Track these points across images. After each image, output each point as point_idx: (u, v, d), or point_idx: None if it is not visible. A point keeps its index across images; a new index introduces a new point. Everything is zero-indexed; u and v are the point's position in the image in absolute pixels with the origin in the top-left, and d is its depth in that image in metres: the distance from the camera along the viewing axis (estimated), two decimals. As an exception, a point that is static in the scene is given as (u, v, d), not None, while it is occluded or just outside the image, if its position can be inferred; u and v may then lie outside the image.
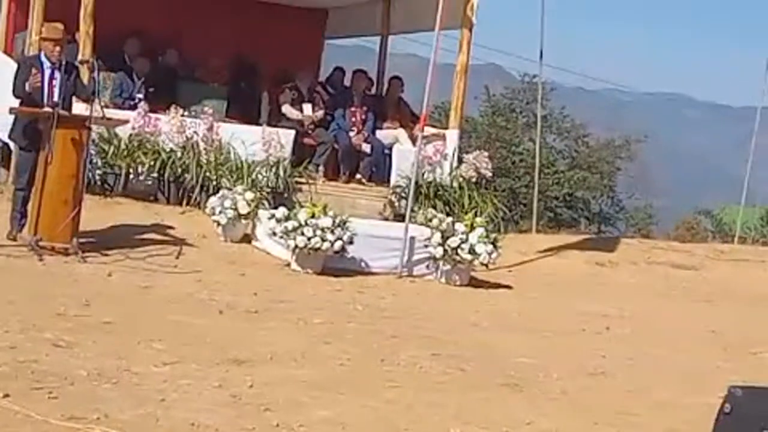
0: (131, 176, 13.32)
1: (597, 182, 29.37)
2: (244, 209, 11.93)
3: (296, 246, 10.78)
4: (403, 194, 14.12)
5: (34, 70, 10.23)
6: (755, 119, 18.77)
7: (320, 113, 15.37)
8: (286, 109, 15.30)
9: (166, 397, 5.89)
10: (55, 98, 10.13)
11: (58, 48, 10.28)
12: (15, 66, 11.66)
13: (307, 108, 15.33)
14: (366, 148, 15.14)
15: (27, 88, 10.17)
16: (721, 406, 4.38)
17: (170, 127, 13.60)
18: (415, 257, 11.69)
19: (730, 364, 9.07)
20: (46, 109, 10.02)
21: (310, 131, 15.08)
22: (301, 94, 15.57)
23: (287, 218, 10.98)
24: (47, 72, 10.26)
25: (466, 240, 11.47)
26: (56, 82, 10.25)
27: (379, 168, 15.25)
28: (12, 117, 10.49)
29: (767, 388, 4.74)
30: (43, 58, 10.35)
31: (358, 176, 14.98)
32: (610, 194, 30.40)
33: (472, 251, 11.44)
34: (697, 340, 10.18)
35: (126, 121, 12.46)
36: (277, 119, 15.21)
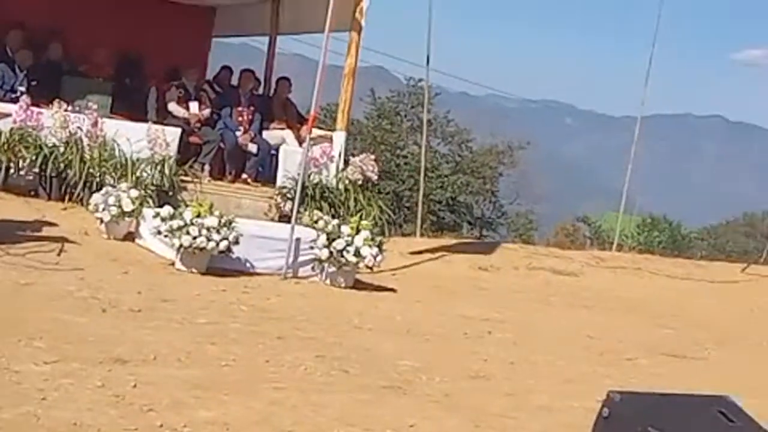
0: (12, 171, 13.08)
1: (480, 187, 29.80)
2: (128, 207, 11.79)
3: (181, 245, 10.70)
4: (289, 195, 14.13)
5: None
6: (635, 129, 19.19)
7: (207, 112, 15.30)
8: (172, 106, 15.20)
9: (47, 396, 5.81)
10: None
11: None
12: None
13: (194, 106, 15.25)
14: (252, 148, 15.11)
15: None
16: (599, 410, 4.50)
17: (53, 122, 13.39)
18: (301, 258, 11.69)
19: (606, 369, 9.28)
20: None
21: (196, 129, 14.99)
22: (187, 92, 15.47)
23: (172, 217, 10.88)
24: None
25: (352, 242, 11.52)
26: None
27: (265, 168, 15.24)
28: None
29: (644, 393, 4.90)
30: None
31: (244, 176, 14.94)
32: (492, 199, 30.88)
33: (357, 254, 11.49)
34: (576, 345, 10.38)
35: (7, 115, 12.24)
36: (163, 117, 15.09)
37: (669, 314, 13.24)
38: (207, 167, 14.74)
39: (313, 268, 11.75)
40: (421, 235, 18.04)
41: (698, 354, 10.83)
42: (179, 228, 10.73)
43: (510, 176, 32.53)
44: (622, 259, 17.22)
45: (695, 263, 18.23)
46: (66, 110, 13.54)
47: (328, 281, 11.66)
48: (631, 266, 16.49)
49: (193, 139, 14.75)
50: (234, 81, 16.67)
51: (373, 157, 15.39)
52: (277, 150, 15.08)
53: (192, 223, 10.74)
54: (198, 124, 15.05)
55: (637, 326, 12.19)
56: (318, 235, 11.66)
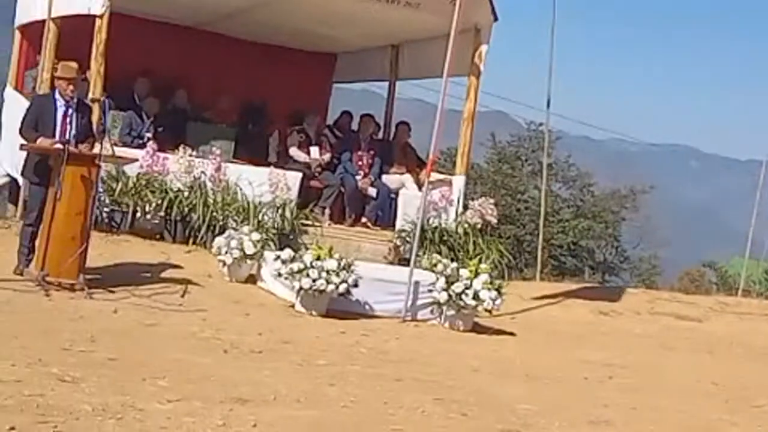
0: (138, 214, 13.37)
1: (601, 231, 29.42)
2: (249, 249, 11.96)
3: (301, 287, 10.81)
4: (408, 239, 14.18)
5: (46, 115, 10.34)
6: (760, 172, 18.83)
7: (327, 156, 15.48)
8: (294, 151, 15.43)
9: (170, 435, 5.91)
10: (69, 136, 10.22)
11: (71, 87, 10.38)
12: (26, 103, 11.79)
13: (314, 151, 15.45)
14: (372, 192, 15.21)
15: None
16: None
17: (178, 167, 13.67)
18: (419, 302, 11.71)
19: (732, 417, 9.06)
20: (57, 146, 10.09)
21: (317, 174, 15.17)
22: (308, 136, 15.68)
23: (293, 259, 11.02)
24: (60, 110, 10.35)
25: (470, 286, 11.50)
26: (70, 120, 10.35)
27: (384, 212, 15.31)
28: (23, 153, 10.57)
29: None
30: (57, 96, 10.44)
31: (364, 220, 15.05)
32: (615, 244, 30.44)
33: (476, 297, 11.47)
34: (700, 391, 10.17)
35: (135, 160, 12.53)
36: (284, 161, 15.32)
37: (797, 362, 12.89)
38: (327, 211, 14.89)
39: (432, 312, 11.75)
40: (542, 279, 17.91)
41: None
42: (299, 270, 10.85)
43: (633, 221, 32.06)
44: (749, 305, 16.83)
45: (824, 309, 17.72)
46: (190, 155, 13.82)
47: (447, 324, 11.65)
48: (757, 312, 16.11)
49: (313, 183, 14.94)
50: (354, 126, 16.85)
51: (492, 201, 15.36)
52: (396, 194, 15.16)
53: (312, 266, 10.85)
54: (318, 169, 15.23)
55: (764, 373, 11.90)
56: (437, 278, 11.68)
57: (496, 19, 14.90)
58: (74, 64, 10.57)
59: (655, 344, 12.93)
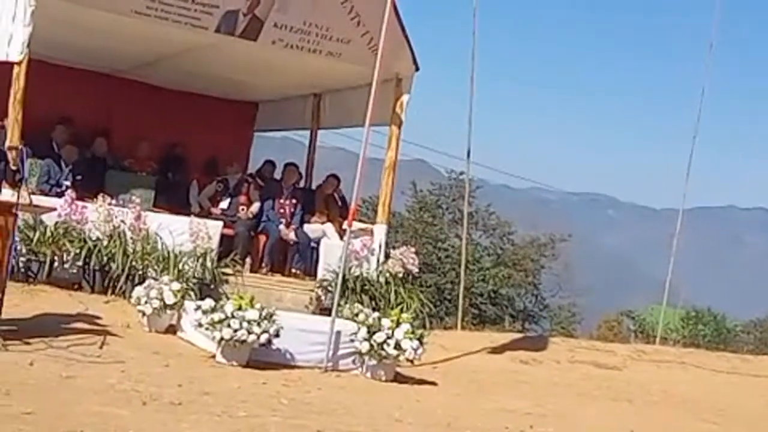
0: (56, 264, 13.20)
1: (521, 280, 29.64)
2: (170, 299, 11.84)
3: (222, 338, 10.72)
4: (329, 288, 14.16)
5: None
6: (676, 221, 19.12)
7: (256, 206, 15.46)
8: (204, 202, 15.48)
9: (87, 490, 5.80)
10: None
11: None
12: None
13: (224, 204, 15.46)
14: (294, 240, 15.20)
15: None
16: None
17: (97, 216, 13.54)
18: (341, 351, 11.67)
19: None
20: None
21: (231, 223, 15.10)
22: (227, 187, 15.66)
23: (213, 309, 10.92)
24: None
25: (392, 335, 11.49)
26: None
27: (306, 261, 15.30)
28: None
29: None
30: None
31: (294, 270, 15.02)
32: (535, 292, 30.68)
33: (397, 347, 11.46)
34: (619, 439, 10.25)
35: (53, 209, 12.38)
36: (207, 210, 15.29)
37: (713, 409, 13.04)
38: (248, 260, 14.83)
39: (353, 361, 11.72)
40: (463, 328, 17.97)
41: (744, 449, 10.66)
42: (220, 321, 10.76)
43: (552, 269, 32.35)
44: (666, 353, 17.04)
45: (740, 357, 18.00)
46: (110, 204, 13.70)
47: (368, 374, 11.62)
48: (675, 360, 16.30)
49: (225, 231, 14.79)
50: (277, 175, 16.83)
51: (413, 249, 15.43)
52: (318, 243, 15.15)
53: (233, 316, 10.77)
54: (249, 221, 15.20)
55: (681, 421, 12.02)
56: (358, 328, 11.65)
57: (417, 68, 15.05)
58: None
59: (574, 392, 13.01)
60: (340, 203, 16.35)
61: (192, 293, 12.76)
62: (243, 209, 15.40)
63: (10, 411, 7.37)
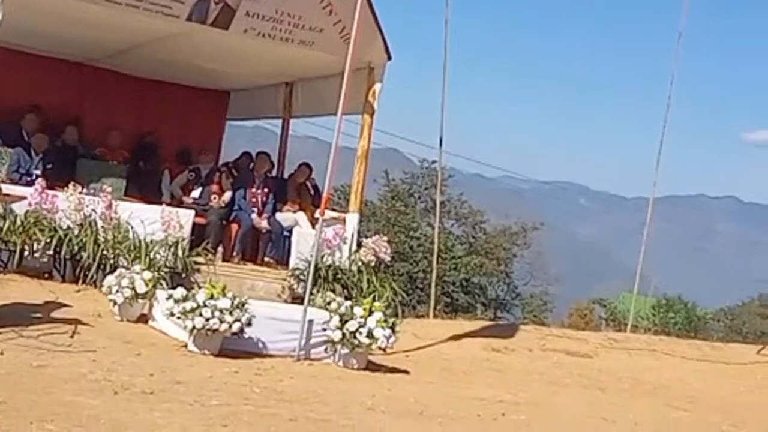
0: (26, 253, 13.14)
1: (494, 268, 29.76)
2: (141, 288, 11.80)
3: (194, 327, 10.68)
4: (302, 277, 14.16)
5: None
6: (647, 209, 19.21)
7: (228, 195, 15.42)
8: (176, 191, 15.42)
9: (58, 480, 5.78)
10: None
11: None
12: None
13: (196, 193, 15.42)
14: (266, 229, 15.19)
15: None
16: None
17: (68, 205, 13.48)
18: (313, 340, 11.66)
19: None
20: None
21: (203, 211, 15.07)
22: (199, 175, 15.62)
23: (185, 298, 10.89)
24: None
25: (365, 324, 11.50)
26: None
27: (278, 250, 15.29)
28: None
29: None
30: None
31: (267, 259, 15.00)
32: (507, 280, 30.82)
33: (370, 335, 11.46)
34: (590, 427, 10.30)
35: (23, 198, 12.32)
36: (179, 199, 15.26)
37: (684, 396, 13.13)
38: (220, 249, 14.80)
39: (326, 350, 11.71)
40: (435, 316, 17.99)
41: (714, 436, 10.73)
42: (192, 310, 10.73)
43: (524, 257, 32.50)
44: (637, 341, 17.13)
45: (710, 344, 18.12)
46: (81, 193, 13.64)
47: (341, 363, 11.62)
48: (645, 348, 16.39)
49: (197, 219, 14.76)
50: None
51: (386, 238, 15.44)
52: (290, 232, 15.14)
53: (205, 305, 10.74)
54: (221, 210, 15.16)
55: (652, 408, 12.09)
56: (331, 317, 11.65)
57: (389, 57, 15.04)
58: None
59: (546, 380, 13.06)
60: (312, 192, 16.33)
61: (164, 282, 12.73)
62: (215, 198, 15.38)
63: (-19, 400, 7.34)
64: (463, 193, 31.10)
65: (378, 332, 11.48)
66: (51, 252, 13.24)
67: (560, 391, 12.47)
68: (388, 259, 15.13)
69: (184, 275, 13.66)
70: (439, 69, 16.48)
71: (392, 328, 11.67)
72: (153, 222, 13.87)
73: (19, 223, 13.08)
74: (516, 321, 25.99)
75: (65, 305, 11.84)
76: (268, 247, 15.29)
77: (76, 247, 13.26)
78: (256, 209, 15.32)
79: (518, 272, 32.20)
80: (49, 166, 14.69)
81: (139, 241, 13.59)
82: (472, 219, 30.60)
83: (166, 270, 13.44)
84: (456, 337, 14.72)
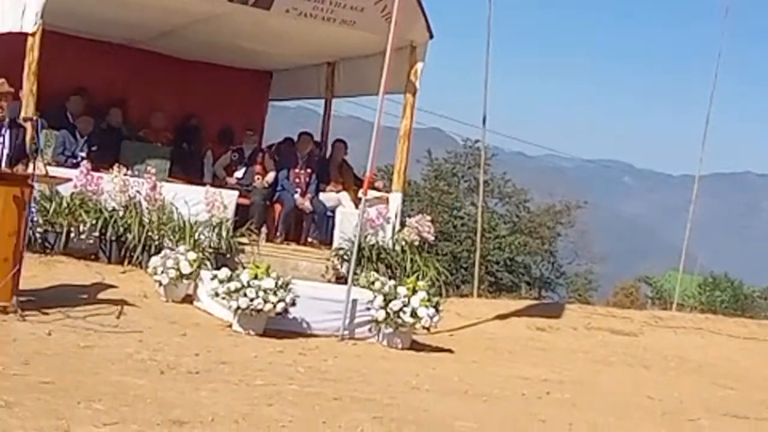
0: (72, 235, 13.24)
1: (538, 247, 29.59)
2: (186, 269, 11.87)
3: (239, 307, 10.74)
4: (345, 257, 14.17)
5: None
6: (693, 187, 19.06)
7: (271, 176, 15.43)
8: (219, 171, 15.46)
9: (105, 459, 5.83)
10: (2, 156, 10.07)
11: (1, 104, 10.21)
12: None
13: (239, 173, 15.44)
14: (309, 209, 15.20)
15: None
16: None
17: (113, 186, 13.57)
18: (357, 320, 11.69)
19: (667, 431, 9.14)
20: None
21: (246, 192, 15.09)
22: (242, 156, 15.65)
23: (230, 279, 10.94)
24: (-7, 129, 10.19)
25: (408, 303, 11.50)
26: (2, 140, 10.18)
27: (321, 230, 15.31)
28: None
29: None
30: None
31: (310, 239, 15.03)
32: (551, 259, 30.62)
33: (413, 314, 11.47)
34: (636, 406, 10.26)
35: (68, 180, 12.39)
36: (222, 180, 15.31)
37: (731, 374, 13.05)
38: (264, 229, 14.84)
39: (370, 330, 11.74)
40: (479, 295, 17.97)
41: (761, 415, 10.65)
42: (236, 290, 10.78)
43: (568, 236, 32.29)
44: (683, 319, 17.02)
45: (758, 323, 17.97)
46: (125, 175, 13.72)
47: (385, 342, 11.64)
48: (691, 326, 16.29)
49: (241, 200, 14.79)
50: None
51: (429, 218, 15.42)
52: (333, 212, 15.15)
53: (249, 285, 10.79)
54: (264, 190, 15.18)
55: (699, 386, 12.03)
56: (375, 296, 11.66)
57: (431, 36, 14.98)
58: (2, 80, 10.40)
59: (591, 359, 13.03)
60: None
61: (208, 263, 12.80)
62: (258, 178, 15.40)
63: (29, 381, 7.42)
64: (506, 172, 30.95)
65: (422, 311, 11.49)
66: (97, 233, 13.33)
67: (605, 370, 12.43)
68: (432, 238, 15.11)
69: (228, 256, 13.71)
70: (482, 47, 16.43)
71: (436, 307, 11.67)
72: (197, 203, 13.93)
73: (65, 205, 13.18)
74: (560, 300, 25.89)
75: (111, 286, 11.94)
76: (311, 228, 15.31)
77: (121, 229, 13.35)
78: (299, 189, 15.33)
79: (562, 251, 32.01)
80: (93, 148, 14.78)
81: (184, 222, 13.65)
82: (515, 198, 30.44)
83: (211, 250, 13.51)
84: (500, 317, 14.69)
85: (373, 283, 12.17)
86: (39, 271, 11.77)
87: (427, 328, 11.75)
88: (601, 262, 34.73)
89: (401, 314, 11.47)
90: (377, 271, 13.61)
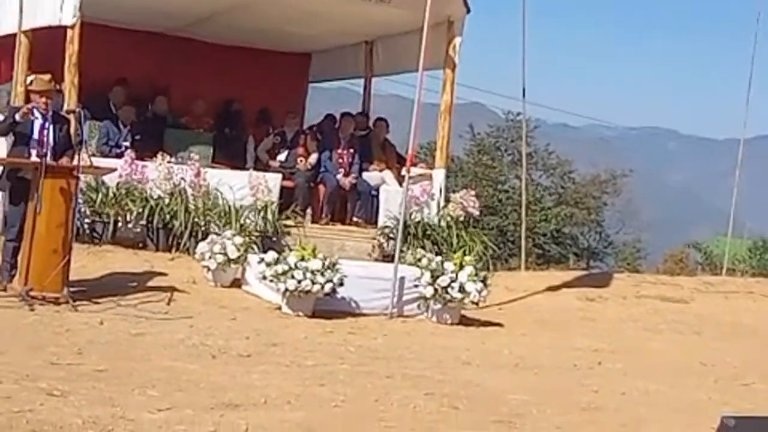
0: (120, 224, 13.34)
1: (584, 218, 29.48)
2: (233, 254, 11.94)
3: (287, 289, 10.79)
4: (391, 235, 14.18)
5: (25, 110, 10.29)
6: (738, 151, 18.87)
7: (314, 158, 15.44)
8: (262, 155, 15.49)
9: (161, 444, 5.89)
10: (47, 149, 10.17)
11: (45, 99, 10.31)
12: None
13: (282, 156, 15.46)
14: (353, 189, 15.22)
15: (17, 117, 10.19)
16: (714, 436, 4.42)
17: (157, 174, 13.64)
18: (405, 297, 11.71)
19: (722, 396, 9.10)
20: (34, 159, 10.05)
21: (290, 174, 15.12)
22: (284, 139, 15.67)
23: (277, 262, 10.99)
24: (37, 123, 10.29)
25: (456, 279, 11.51)
26: (47, 133, 10.28)
27: (366, 209, 15.31)
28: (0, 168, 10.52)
29: (760, 417, 4.79)
30: (33, 110, 10.37)
31: (355, 219, 15.06)
32: (598, 229, 30.51)
33: (462, 290, 11.47)
34: (688, 372, 10.21)
35: (113, 170, 12.48)
36: (264, 164, 15.34)
37: (784, 337, 12.95)
38: (309, 211, 14.87)
39: (418, 306, 11.76)
40: (527, 268, 17.92)
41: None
42: (284, 272, 10.83)
43: (615, 205, 32.14)
44: (734, 284, 16.89)
45: (810, 285, 17.79)
46: (169, 162, 13.80)
47: (434, 319, 11.66)
48: (742, 290, 16.16)
49: (285, 183, 14.82)
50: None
51: (473, 193, 15.39)
52: (377, 190, 15.16)
53: (296, 267, 10.83)
54: (291, 170, 15.21)
55: (751, 351, 11.95)
56: (422, 273, 11.67)
57: (468, 10, 14.91)
58: (47, 77, 10.52)
59: (642, 327, 12.98)
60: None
61: (255, 246, 12.86)
62: (301, 161, 15.43)
63: (84, 369, 7.50)
64: (549, 144, 30.83)
65: (470, 286, 11.49)
66: (143, 222, 13.42)
67: (656, 338, 12.38)
68: (477, 213, 15.09)
69: (274, 239, 13.76)
70: (518, 18, 16.36)
71: (484, 281, 11.67)
72: (241, 187, 13.98)
73: (111, 195, 13.28)
74: (609, 270, 25.78)
75: (160, 273, 12.03)
76: (356, 207, 15.32)
77: (167, 216, 13.42)
78: (342, 170, 15.34)
79: (609, 221, 31.87)
80: (137, 137, 14.86)
81: (229, 207, 13.71)
82: (560, 169, 30.33)
83: (257, 234, 13.57)
84: (549, 289, 14.65)
85: (419, 260, 12.18)
86: (88, 262, 11.89)
87: (476, 303, 11.75)
88: (649, 230, 34.58)
89: (449, 290, 11.48)
90: (423, 248, 13.60)
